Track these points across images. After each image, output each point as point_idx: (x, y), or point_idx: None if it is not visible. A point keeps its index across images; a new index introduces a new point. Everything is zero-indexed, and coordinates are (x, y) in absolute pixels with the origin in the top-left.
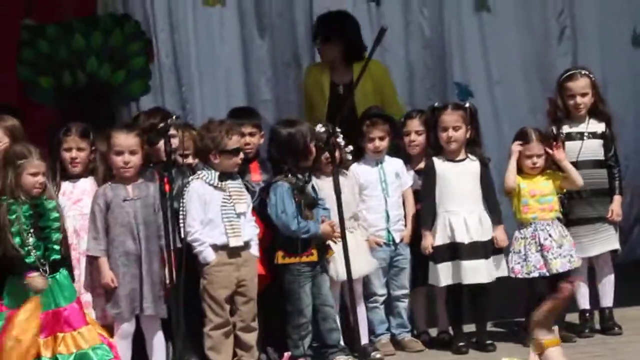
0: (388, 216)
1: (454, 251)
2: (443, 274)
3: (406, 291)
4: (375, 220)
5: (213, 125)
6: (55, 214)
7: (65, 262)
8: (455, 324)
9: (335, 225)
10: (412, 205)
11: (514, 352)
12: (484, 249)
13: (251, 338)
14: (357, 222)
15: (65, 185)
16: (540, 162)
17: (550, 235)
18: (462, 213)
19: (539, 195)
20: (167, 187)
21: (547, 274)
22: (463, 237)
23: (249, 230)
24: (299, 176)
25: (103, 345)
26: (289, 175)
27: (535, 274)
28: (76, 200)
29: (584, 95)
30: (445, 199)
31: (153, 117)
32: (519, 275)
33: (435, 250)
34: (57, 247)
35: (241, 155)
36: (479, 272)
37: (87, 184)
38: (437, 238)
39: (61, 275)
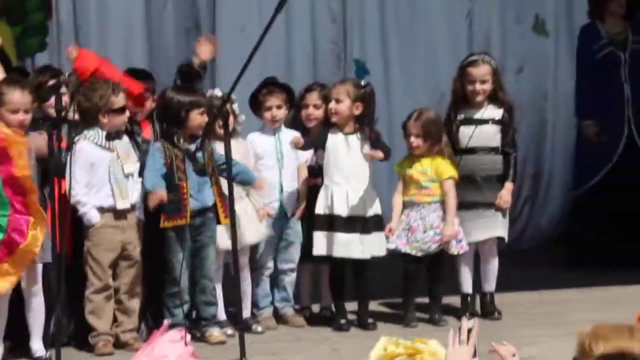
0: (282, 188)
1: (331, 223)
2: (317, 243)
3: (293, 265)
4: (269, 191)
5: (99, 84)
6: None
7: None
8: (337, 300)
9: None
10: (304, 180)
11: (395, 332)
12: (362, 225)
13: (134, 303)
14: (245, 192)
15: None
16: (417, 142)
17: (420, 219)
18: (345, 186)
19: (419, 180)
20: (62, 144)
21: (402, 250)
22: (341, 210)
23: (136, 193)
24: (184, 142)
25: None
26: (172, 140)
27: (392, 246)
28: None
29: (483, 82)
30: (331, 171)
31: (43, 75)
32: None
33: (315, 218)
34: None
35: (127, 113)
36: (352, 246)
37: None
38: (317, 207)
39: None
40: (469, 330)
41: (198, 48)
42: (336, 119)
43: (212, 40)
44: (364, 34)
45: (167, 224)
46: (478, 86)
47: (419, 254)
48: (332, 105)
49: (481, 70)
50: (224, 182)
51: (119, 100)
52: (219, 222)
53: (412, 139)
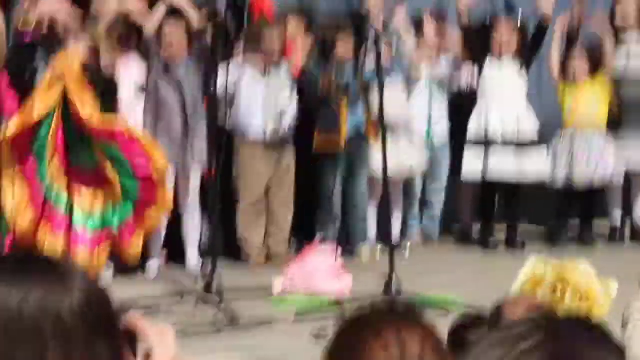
0: (430, 116)
1: (486, 144)
2: (469, 166)
3: (440, 187)
4: (418, 120)
5: (262, 23)
6: None
7: None
8: (487, 219)
9: None
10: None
11: (544, 252)
12: (518, 145)
13: (286, 215)
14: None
15: None
16: (584, 67)
17: (585, 145)
18: (501, 106)
19: (582, 103)
20: None
21: (571, 183)
22: (497, 131)
23: (288, 117)
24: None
25: None
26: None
27: (560, 182)
28: None
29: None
30: (487, 94)
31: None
32: (547, 180)
33: (468, 140)
34: None
35: (276, 55)
36: (508, 168)
37: None
38: (470, 129)
39: None
40: None
41: None
42: (506, 53)
43: None
44: None
45: (321, 143)
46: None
47: (587, 182)
48: (505, 40)
49: None
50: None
51: (268, 40)
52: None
53: (577, 62)
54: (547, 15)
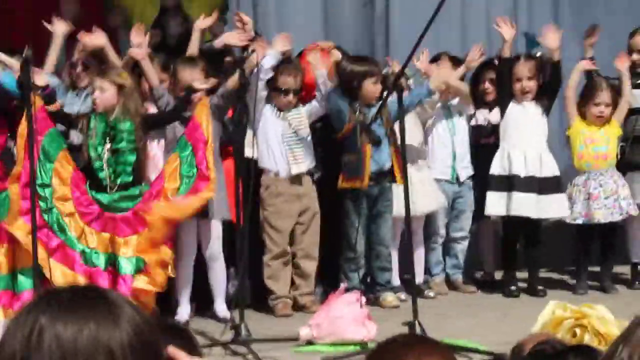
0: (454, 154)
1: (508, 183)
2: (491, 203)
3: (464, 233)
4: (442, 157)
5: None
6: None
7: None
8: (509, 266)
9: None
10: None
11: (564, 299)
12: (540, 185)
13: (311, 267)
14: (425, 160)
15: None
16: (607, 111)
17: (600, 185)
18: (523, 147)
19: (593, 143)
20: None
21: (589, 222)
22: (519, 170)
23: (311, 157)
24: (359, 113)
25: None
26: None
27: (579, 221)
28: None
29: None
30: (509, 134)
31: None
32: (567, 221)
33: (490, 179)
34: (128, 169)
35: (291, 96)
36: (530, 206)
37: None
38: (493, 168)
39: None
40: None
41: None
42: (529, 97)
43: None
44: (532, 3)
45: (345, 184)
46: (635, 56)
47: (603, 220)
48: (526, 83)
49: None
50: None
51: (283, 82)
52: (394, 181)
53: (602, 108)
54: (552, 50)
